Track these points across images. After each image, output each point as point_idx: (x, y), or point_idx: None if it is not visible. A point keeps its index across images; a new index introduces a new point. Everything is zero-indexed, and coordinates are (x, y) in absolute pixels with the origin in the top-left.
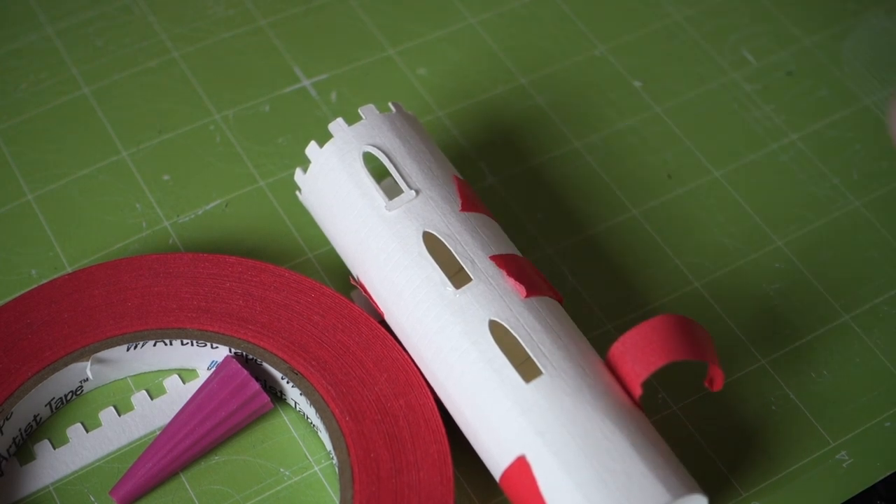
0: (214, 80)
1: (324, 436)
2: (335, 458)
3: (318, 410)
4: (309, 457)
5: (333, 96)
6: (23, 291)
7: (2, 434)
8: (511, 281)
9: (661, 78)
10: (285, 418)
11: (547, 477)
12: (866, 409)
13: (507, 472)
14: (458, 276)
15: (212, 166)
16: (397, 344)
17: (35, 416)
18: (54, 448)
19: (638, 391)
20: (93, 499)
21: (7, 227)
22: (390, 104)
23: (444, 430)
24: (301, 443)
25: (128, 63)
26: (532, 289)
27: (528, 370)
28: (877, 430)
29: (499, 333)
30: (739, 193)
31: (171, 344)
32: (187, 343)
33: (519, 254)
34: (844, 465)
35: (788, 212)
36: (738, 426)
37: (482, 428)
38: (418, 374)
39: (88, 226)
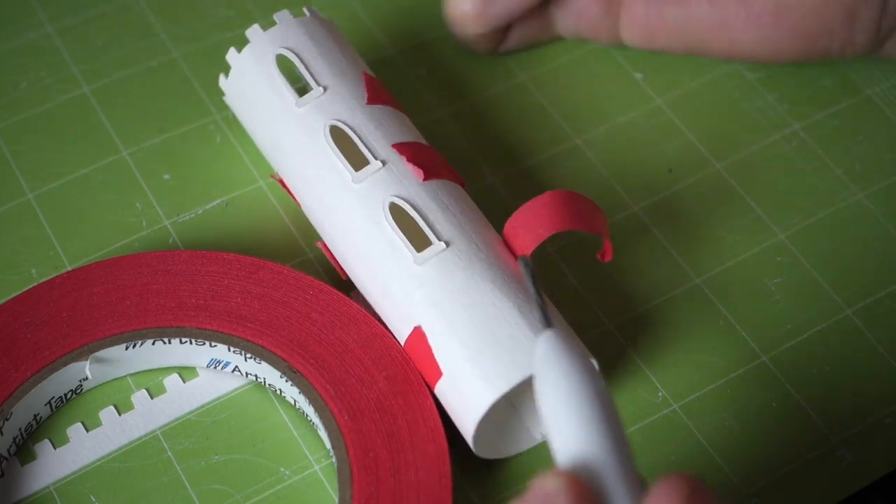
0: (214, 80)
1: (323, 434)
2: (334, 456)
3: (316, 409)
4: (309, 456)
5: None
6: (23, 290)
7: (1, 435)
8: (410, 166)
9: (663, 69)
10: (285, 417)
11: (439, 345)
12: (867, 406)
13: (408, 342)
14: (364, 165)
15: (212, 165)
16: (396, 342)
17: (35, 416)
18: (55, 448)
19: None
20: (93, 499)
21: (7, 226)
22: (305, 9)
23: (442, 430)
24: (301, 442)
25: (128, 62)
26: (431, 173)
27: (426, 248)
28: (878, 427)
29: (401, 216)
30: (741, 186)
31: (169, 342)
32: (186, 341)
33: (425, 142)
34: (845, 462)
35: (790, 204)
36: (738, 423)
37: (385, 302)
38: (417, 372)
39: (89, 225)
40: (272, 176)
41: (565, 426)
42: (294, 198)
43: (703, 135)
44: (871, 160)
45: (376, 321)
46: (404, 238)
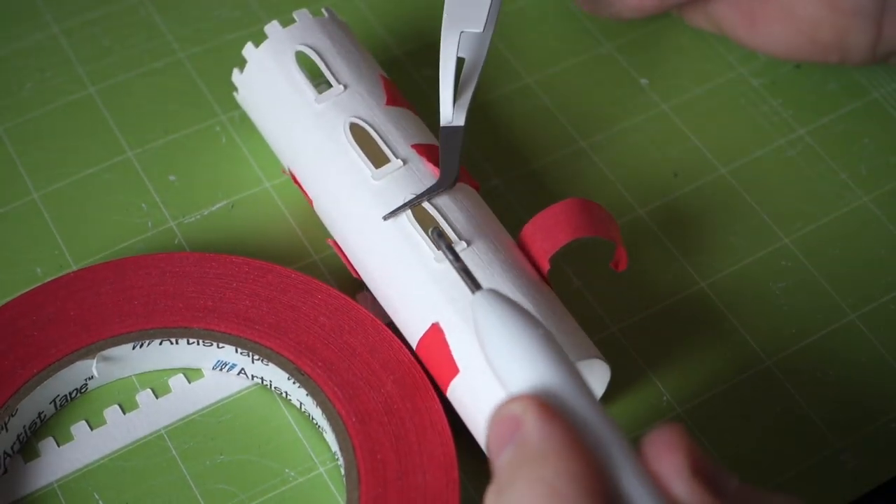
0: (220, 81)
1: (329, 437)
2: (341, 459)
3: (324, 412)
4: (314, 458)
5: None
6: (27, 289)
7: (6, 431)
8: (430, 166)
9: (668, 75)
10: (290, 419)
11: (457, 341)
12: (871, 410)
13: (423, 339)
14: (381, 165)
15: (217, 167)
16: (404, 346)
17: (40, 414)
18: (59, 445)
19: (546, 266)
20: (97, 496)
21: (13, 225)
22: (323, 10)
23: (450, 433)
24: (306, 444)
25: (134, 63)
26: None
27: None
28: (882, 432)
29: (420, 215)
30: (746, 190)
31: (176, 343)
32: (193, 342)
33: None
34: (849, 466)
35: (795, 208)
36: (742, 427)
37: (401, 300)
38: (425, 376)
39: (94, 225)
40: (283, 171)
41: (517, 366)
42: (305, 193)
43: (708, 140)
44: (877, 164)
45: (384, 326)
46: (425, 236)
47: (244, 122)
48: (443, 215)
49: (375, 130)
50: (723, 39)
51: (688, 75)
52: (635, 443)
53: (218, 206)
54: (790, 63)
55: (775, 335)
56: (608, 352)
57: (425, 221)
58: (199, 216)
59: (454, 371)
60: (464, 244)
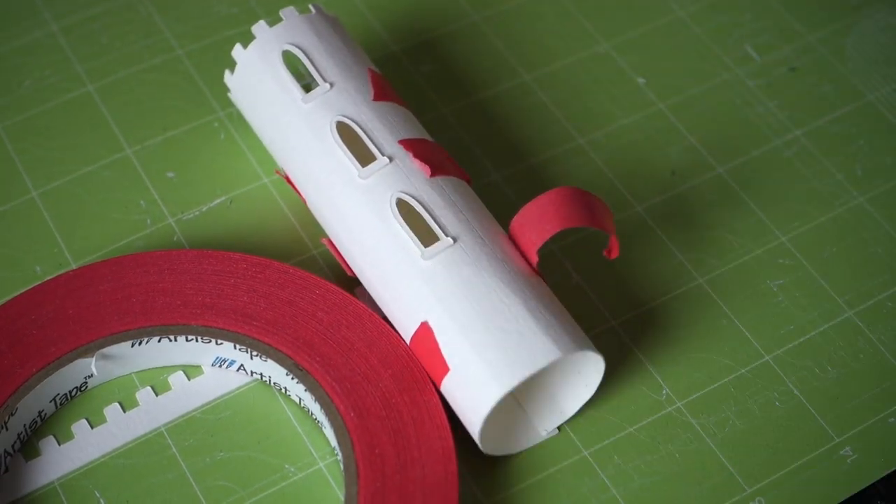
0: (218, 77)
1: (328, 432)
2: (340, 454)
3: (322, 406)
4: (314, 453)
5: None
6: (27, 288)
7: (6, 430)
8: (417, 162)
9: (665, 74)
10: (290, 415)
11: (446, 339)
12: (870, 405)
13: (414, 337)
14: (370, 161)
15: (216, 163)
16: (402, 341)
17: (40, 413)
18: (59, 444)
19: (535, 258)
20: (98, 494)
21: (11, 223)
22: (311, 6)
23: (448, 426)
24: (306, 439)
25: (132, 60)
26: (437, 169)
27: (434, 244)
28: (880, 427)
29: (408, 212)
30: (743, 190)
31: (175, 340)
32: (192, 339)
33: (430, 139)
34: (848, 461)
35: (792, 207)
36: (741, 421)
37: (391, 298)
38: (423, 370)
39: (93, 223)
40: (277, 171)
41: None
42: (299, 194)
43: (704, 139)
44: (872, 164)
45: (382, 320)
46: (412, 233)
47: (242, 119)
48: (429, 210)
49: (361, 128)
50: (720, 41)
51: (684, 75)
52: (632, 439)
53: (216, 202)
54: (785, 65)
55: (773, 331)
56: (608, 345)
57: (411, 217)
58: (197, 212)
59: (445, 369)
60: (450, 240)
